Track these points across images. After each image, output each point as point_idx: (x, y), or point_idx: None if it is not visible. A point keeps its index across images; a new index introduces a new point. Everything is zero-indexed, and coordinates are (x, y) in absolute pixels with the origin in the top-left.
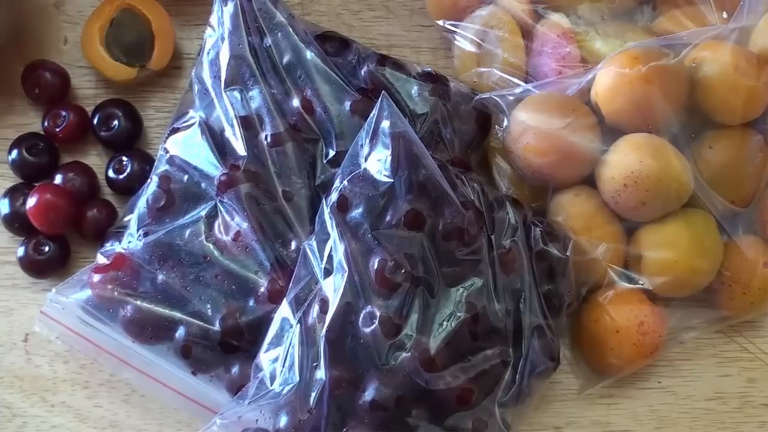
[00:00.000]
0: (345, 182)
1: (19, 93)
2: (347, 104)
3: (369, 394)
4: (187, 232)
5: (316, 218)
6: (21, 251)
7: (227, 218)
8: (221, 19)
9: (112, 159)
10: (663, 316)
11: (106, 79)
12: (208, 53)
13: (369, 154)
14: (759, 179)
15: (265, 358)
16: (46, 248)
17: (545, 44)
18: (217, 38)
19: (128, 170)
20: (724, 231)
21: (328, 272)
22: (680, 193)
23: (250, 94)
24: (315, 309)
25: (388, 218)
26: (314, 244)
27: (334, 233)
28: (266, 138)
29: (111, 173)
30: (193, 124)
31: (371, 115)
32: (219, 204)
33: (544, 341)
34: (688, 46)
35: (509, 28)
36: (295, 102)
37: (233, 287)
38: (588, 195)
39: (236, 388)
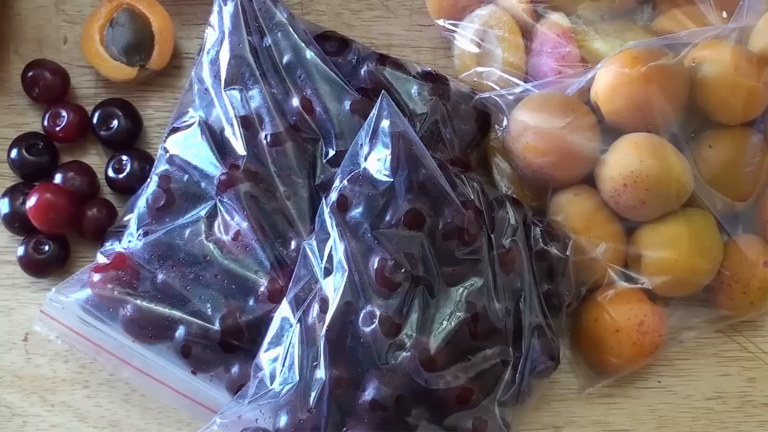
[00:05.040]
0: (345, 182)
1: (18, 92)
2: (347, 104)
3: (369, 394)
4: (187, 231)
5: (316, 218)
6: (21, 250)
7: (227, 218)
8: (221, 18)
9: (111, 158)
10: (663, 316)
11: (106, 78)
12: (208, 53)
13: (369, 153)
14: (758, 179)
15: (265, 357)
16: (46, 248)
17: (545, 44)
18: (217, 38)
19: (128, 170)
20: (724, 230)
21: (328, 272)
22: (680, 192)
23: (250, 93)
24: (315, 308)
25: (387, 218)
26: (314, 243)
27: (334, 233)
28: (266, 137)
29: (111, 173)
30: (192, 123)
31: (371, 114)
32: (219, 203)
33: (544, 341)
34: (688, 46)
35: (509, 28)
36: (295, 102)
37: (233, 287)
38: (588, 194)
39: (236, 388)
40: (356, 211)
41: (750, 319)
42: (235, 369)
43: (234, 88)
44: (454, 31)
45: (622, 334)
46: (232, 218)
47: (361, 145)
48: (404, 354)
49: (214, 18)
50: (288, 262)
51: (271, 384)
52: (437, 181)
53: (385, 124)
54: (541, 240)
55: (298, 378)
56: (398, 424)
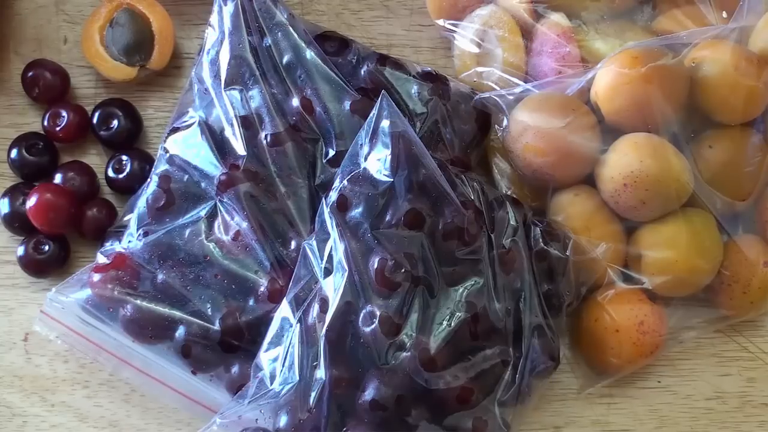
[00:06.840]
0: (345, 182)
1: (18, 92)
2: (347, 104)
3: (369, 394)
4: (187, 231)
5: (316, 218)
6: (21, 250)
7: (227, 218)
8: (221, 18)
9: (111, 158)
10: (663, 316)
11: (106, 78)
12: (208, 53)
13: (369, 153)
14: (758, 179)
15: (265, 357)
16: (46, 248)
17: (545, 44)
18: (217, 38)
19: (128, 170)
20: (724, 230)
21: (328, 272)
22: (680, 192)
23: (250, 93)
24: (315, 308)
25: (387, 218)
26: (314, 243)
27: (334, 233)
28: (266, 137)
29: (111, 173)
30: (192, 123)
31: (371, 114)
32: (219, 203)
33: (544, 341)
34: (688, 46)
35: (509, 28)
36: (295, 102)
37: (233, 287)
38: (588, 194)
39: (236, 388)
40: (356, 211)
41: (750, 319)
42: (235, 369)
43: (234, 88)
44: (454, 31)
45: (622, 334)
46: (232, 218)
47: (361, 145)
48: (404, 354)
49: (214, 18)
50: (288, 262)
51: (271, 384)
52: (437, 181)
53: (385, 124)
54: (541, 240)
55: (298, 378)
56: (398, 424)
